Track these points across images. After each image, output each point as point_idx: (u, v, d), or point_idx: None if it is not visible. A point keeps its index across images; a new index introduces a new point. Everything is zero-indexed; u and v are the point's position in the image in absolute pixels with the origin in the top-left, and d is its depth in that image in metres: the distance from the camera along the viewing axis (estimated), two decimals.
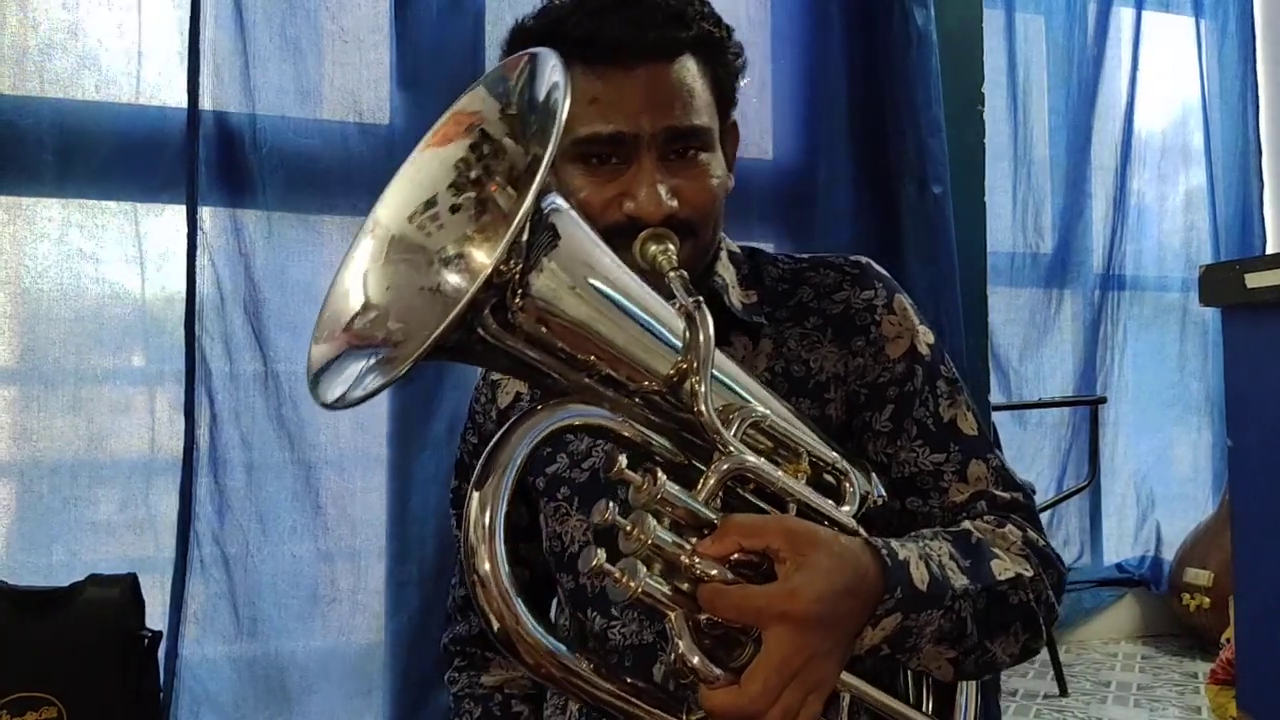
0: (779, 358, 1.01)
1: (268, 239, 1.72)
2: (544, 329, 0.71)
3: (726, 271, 1.03)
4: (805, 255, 1.07)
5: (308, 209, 1.76)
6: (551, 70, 0.73)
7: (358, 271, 0.76)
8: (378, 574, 1.79)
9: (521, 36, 0.96)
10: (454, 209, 0.77)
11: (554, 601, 1.15)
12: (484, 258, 0.74)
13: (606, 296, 0.74)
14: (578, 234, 0.75)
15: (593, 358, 0.74)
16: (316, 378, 0.72)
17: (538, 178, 0.66)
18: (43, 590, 1.44)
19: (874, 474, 0.95)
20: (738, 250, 1.07)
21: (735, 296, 1.02)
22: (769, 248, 1.15)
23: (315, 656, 1.73)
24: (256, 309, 1.70)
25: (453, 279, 0.75)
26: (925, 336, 1.02)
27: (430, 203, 0.77)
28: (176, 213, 1.67)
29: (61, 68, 1.71)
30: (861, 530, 0.82)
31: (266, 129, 1.73)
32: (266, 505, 1.71)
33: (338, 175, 1.75)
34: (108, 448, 1.72)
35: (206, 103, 1.70)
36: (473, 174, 0.77)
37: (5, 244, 1.66)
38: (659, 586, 0.71)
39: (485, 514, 0.69)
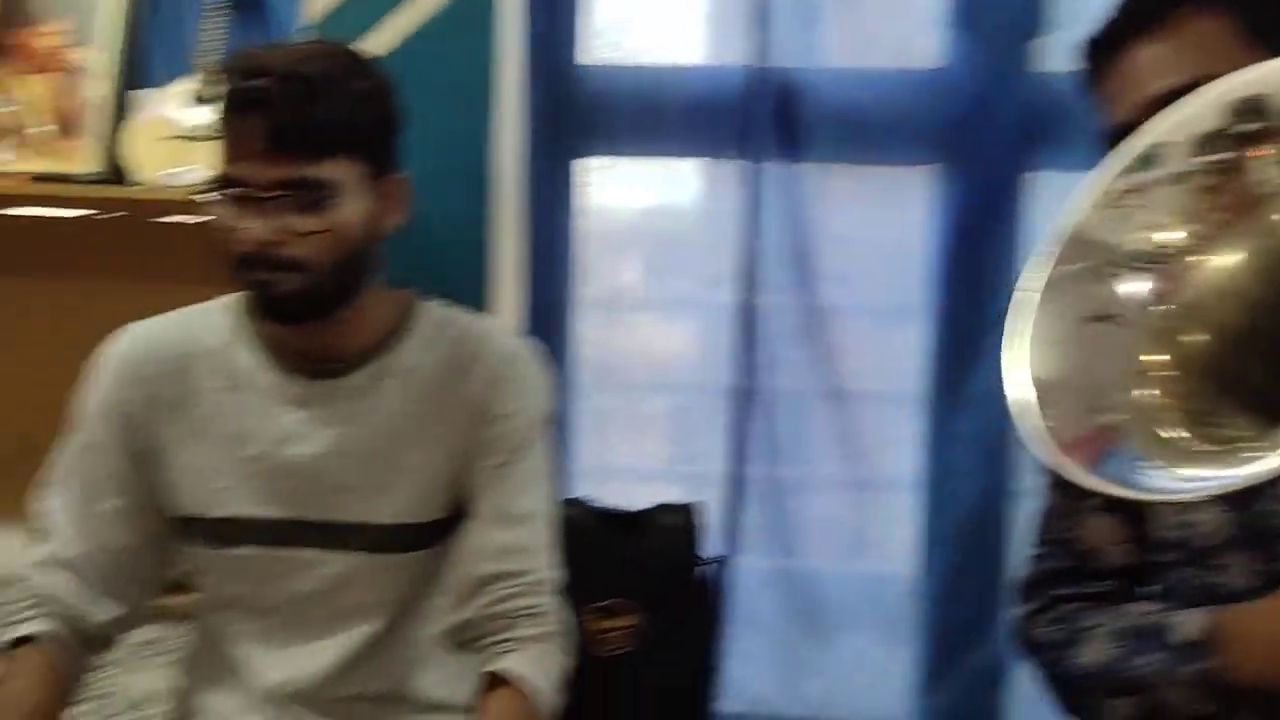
0: None
1: (820, 192, 1.76)
2: None
3: None
4: None
5: (859, 160, 1.78)
6: None
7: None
8: (911, 526, 1.80)
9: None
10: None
11: None
12: None
13: None
14: None
15: None
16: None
17: None
18: (624, 512, 1.63)
19: None
20: None
21: None
22: None
23: (850, 595, 1.80)
24: (804, 259, 1.76)
25: None
26: None
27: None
28: (738, 168, 1.77)
29: (639, 37, 1.87)
30: None
31: (820, 83, 1.76)
32: (810, 447, 1.79)
33: (889, 125, 1.75)
34: (667, 383, 1.91)
35: (765, 60, 1.76)
36: None
37: (598, 201, 1.86)
38: None
39: None
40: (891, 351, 1.81)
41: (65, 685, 1.12)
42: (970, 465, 1.74)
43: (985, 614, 1.77)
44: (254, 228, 1.05)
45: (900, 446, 1.81)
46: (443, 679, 1.25)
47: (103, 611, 1.15)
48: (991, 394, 1.73)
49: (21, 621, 1.12)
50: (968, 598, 1.77)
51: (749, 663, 1.77)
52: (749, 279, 1.76)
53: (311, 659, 1.17)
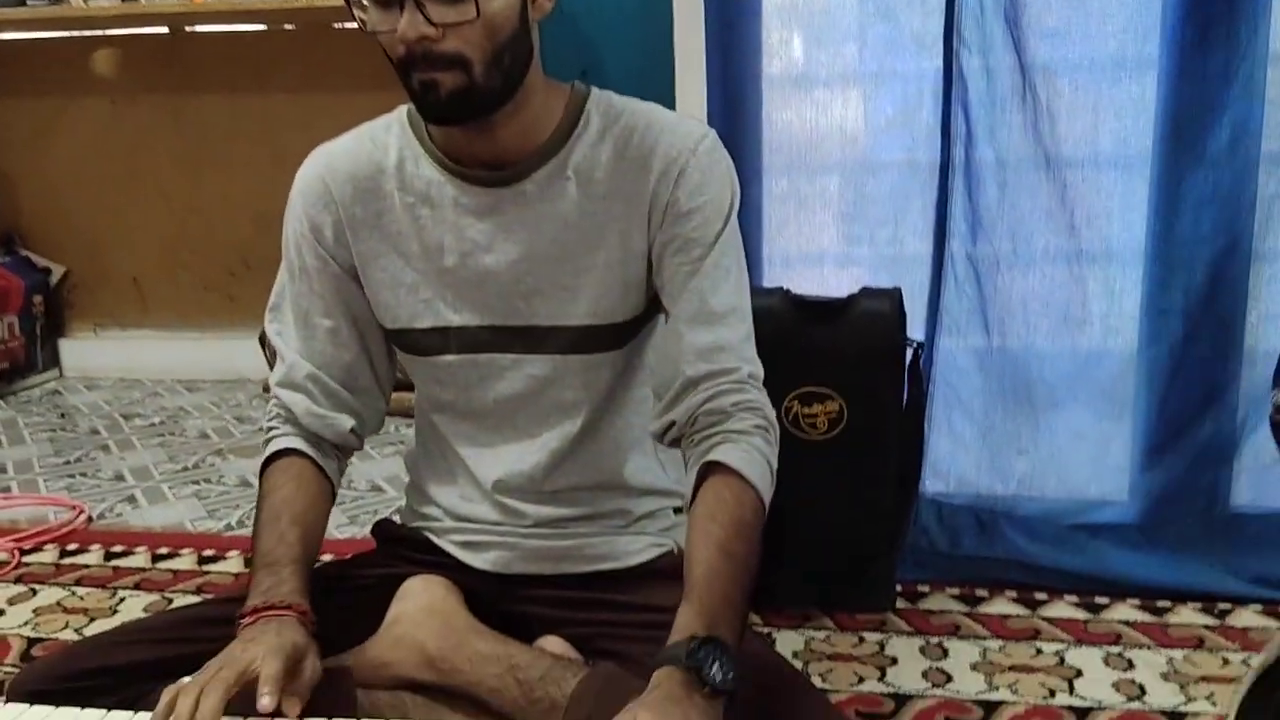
0: None
1: None
2: None
3: None
4: None
5: None
6: None
7: None
8: (1133, 299, 1.69)
9: None
10: None
11: None
12: None
13: None
14: None
15: None
16: None
17: None
18: (824, 300, 1.59)
19: None
20: None
21: None
22: None
23: (1063, 375, 1.73)
24: (1016, 15, 1.60)
25: None
26: None
27: None
28: None
29: None
30: None
31: None
32: (1018, 223, 1.68)
33: None
34: (864, 162, 1.81)
35: None
36: None
37: None
38: None
39: None
40: (1114, 110, 1.65)
41: (323, 489, 1.22)
42: (1203, 229, 1.60)
43: (1214, 387, 1.68)
44: (403, 27, 1.02)
45: (1122, 214, 1.68)
46: (652, 465, 1.29)
47: (339, 423, 1.23)
48: (1230, 149, 1.57)
49: (275, 437, 1.22)
50: (1195, 371, 1.67)
51: (955, 444, 1.75)
52: (951, 40, 1.62)
53: (524, 456, 1.22)
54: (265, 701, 0.92)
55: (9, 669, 1.53)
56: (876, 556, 1.61)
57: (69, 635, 1.63)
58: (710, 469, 1.09)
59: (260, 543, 1.14)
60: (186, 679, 0.96)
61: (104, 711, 0.96)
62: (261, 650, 0.97)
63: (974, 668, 1.48)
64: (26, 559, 1.94)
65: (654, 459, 1.30)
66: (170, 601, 1.74)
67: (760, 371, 1.15)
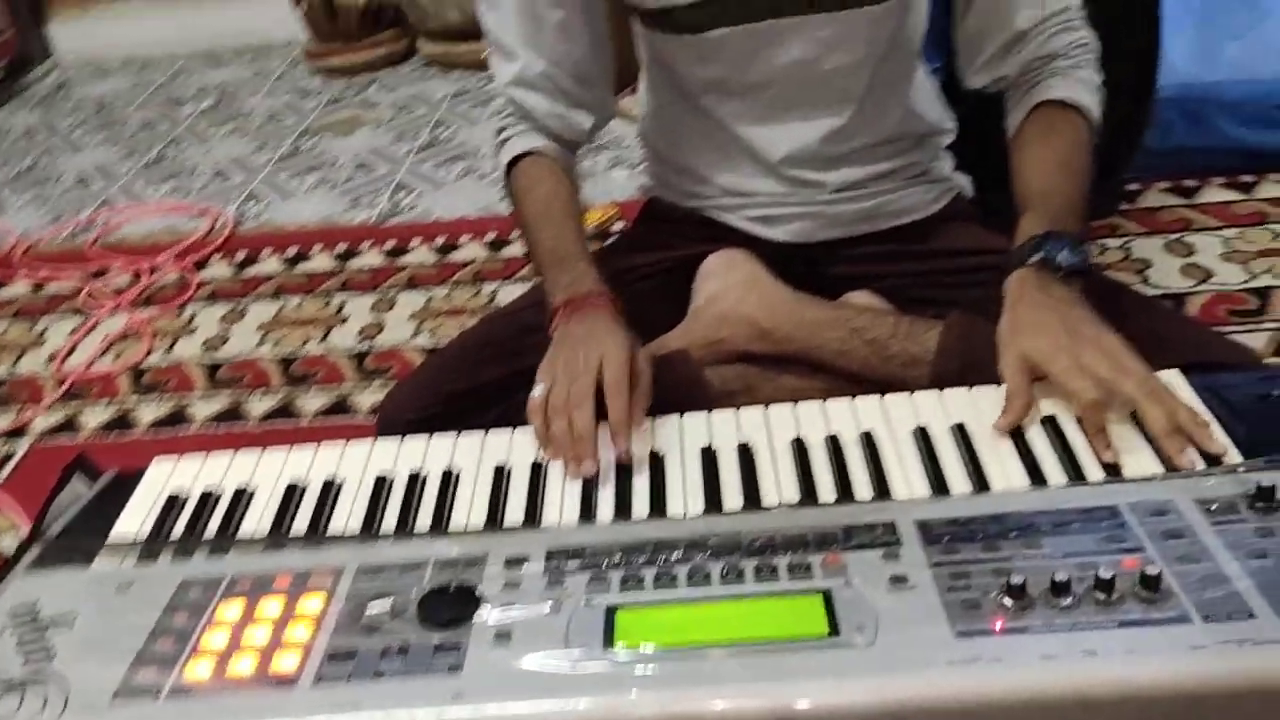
0: None
1: None
2: None
3: None
4: None
5: None
6: None
7: None
8: None
9: None
10: None
11: None
12: None
13: None
14: None
15: None
16: None
17: None
18: None
19: None
20: None
21: None
22: None
23: None
24: None
25: None
26: None
27: None
28: None
29: None
30: None
31: None
32: None
33: None
34: None
35: None
36: None
37: None
38: None
39: None
40: None
41: (575, 188, 1.18)
42: None
43: None
44: None
45: None
46: (928, 95, 1.24)
47: (578, 122, 1.16)
48: None
49: (514, 138, 1.16)
50: None
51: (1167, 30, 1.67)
52: None
53: (809, 128, 1.16)
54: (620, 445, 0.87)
55: (276, 395, 1.54)
56: (1112, 165, 1.60)
57: (314, 349, 1.62)
58: (1039, 105, 1.08)
59: (540, 241, 1.10)
60: (534, 392, 0.93)
61: (510, 430, 0.93)
62: (600, 352, 0.93)
63: (1225, 259, 1.53)
64: (203, 274, 1.87)
65: (928, 90, 1.25)
66: (392, 305, 1.70)
67: None
